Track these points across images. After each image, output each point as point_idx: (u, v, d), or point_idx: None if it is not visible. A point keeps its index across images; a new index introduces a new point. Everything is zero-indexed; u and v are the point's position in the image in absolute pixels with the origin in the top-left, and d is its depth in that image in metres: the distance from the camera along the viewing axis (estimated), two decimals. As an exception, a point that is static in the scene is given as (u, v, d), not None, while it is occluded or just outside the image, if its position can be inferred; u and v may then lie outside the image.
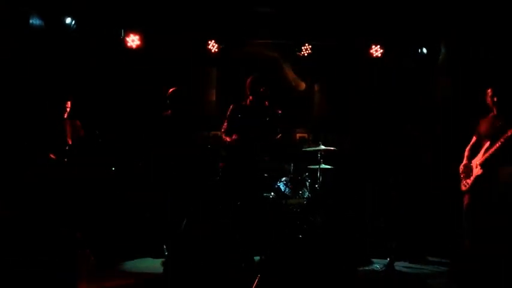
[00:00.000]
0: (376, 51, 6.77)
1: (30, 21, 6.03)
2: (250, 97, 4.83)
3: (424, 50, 6.89)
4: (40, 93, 5.60)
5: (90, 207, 5.60)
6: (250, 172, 4.60)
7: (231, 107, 4.78)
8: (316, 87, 7.57)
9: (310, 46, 6.82)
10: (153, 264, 4.58)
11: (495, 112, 4.57)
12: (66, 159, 4.93)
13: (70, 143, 5.02)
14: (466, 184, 4.63)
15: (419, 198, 6.09)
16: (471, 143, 4.82)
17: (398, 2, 6.48)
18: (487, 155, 4.45)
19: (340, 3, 6.49)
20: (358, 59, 7.01)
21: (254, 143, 4.51)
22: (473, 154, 4.72)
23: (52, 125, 5.01)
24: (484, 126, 4.64)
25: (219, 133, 7.39)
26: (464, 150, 4.82)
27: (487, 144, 4.50)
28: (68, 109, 5.08)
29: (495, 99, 4.52)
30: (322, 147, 5.79)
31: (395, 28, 6.78)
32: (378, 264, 4.63)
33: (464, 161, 4.75)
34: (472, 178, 4.56)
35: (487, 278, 4.12)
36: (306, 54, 6.94)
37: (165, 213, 5.24)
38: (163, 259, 4.58)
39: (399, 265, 4.58)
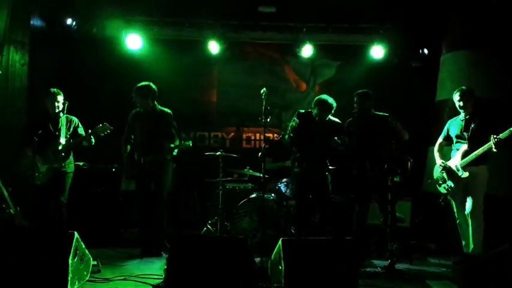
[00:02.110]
0: (378, 51, 6.75)
1: (31, 22, 6.05)
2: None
3: (426, 51, 6.88)
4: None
5: (91, 206, 5.61)
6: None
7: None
8: (317, 88, 7.55)
9: (311, 46, 6.80)
10: (156, 266, 4.57)
11: (464, 115, 4.70)
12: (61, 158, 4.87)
13: (63, 141, 4.89)
14: (448, 187, 4.73)
15: (419, 199, 6.09)
16: (439, 144, 4.98)
17: (399, 2, 6.47)
18: (470, 158, 4.53)
19: (342, 3, 6.47)
20: (360, 59, 6.99)
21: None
22: (441, 156, 4.88)
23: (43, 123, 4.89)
24: (455, 128, 4.79)
25: (219, 134, 7.43)
26: (433, 151, 4.95)
27: (464, 147, 4.61)
28: (60, 104, 4.92)
29: (460, 103, 4.68)
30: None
31: (397, 28, 6.76)
32: (379, 266, 4.62)
33: (440, 163, 4.83)
34: (455, 181, 4.65)
35: (489, 279, 4.11)
36: (307, 55, 6.93)
37: (165, 214, 5.23)
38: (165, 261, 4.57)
39: (400, 266, 4.57)
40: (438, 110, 6.25)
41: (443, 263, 4.92)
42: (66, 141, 4.91)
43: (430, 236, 5.65)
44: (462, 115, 4.75)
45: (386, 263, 4.47)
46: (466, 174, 4.58)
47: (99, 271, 4.22)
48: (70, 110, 5.06)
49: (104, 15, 6.55)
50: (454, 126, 4.84)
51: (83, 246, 3.88)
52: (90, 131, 4.85)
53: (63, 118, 4.96)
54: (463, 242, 4.73)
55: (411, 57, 7.08)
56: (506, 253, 3.91)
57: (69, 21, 6.46)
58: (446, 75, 6.19)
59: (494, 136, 4.30)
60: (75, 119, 5.10)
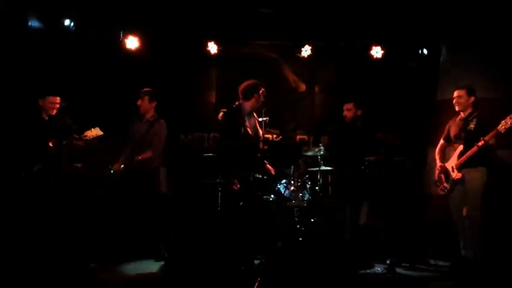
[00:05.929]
0: (377, 52, 6.74)
1: (29, 23, 6.00)
2: None
3: (425, 51, 6.87)
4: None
5: (89, 209, 5.57)
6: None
7: None
8: (316, 89, 7.54)
9: (310, 47, 6.79)
10: (154, 267, 4.55)
11: (463, 115, 4.69)
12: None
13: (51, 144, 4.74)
14: (444, 188, 4.75)
15: (419, 200, 6.07)
16: (440, 145, 4.96)
17: (398, 3, 6.45)
18: (463, 159, 4.55)
19: (341, 4, 6.45)
20: (359, 60, 6.98)
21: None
22: (443, 157, 4.89)
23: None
24: (454, 129, 4.78)
25: (218, 136, 7.39)
26: (434, 154, 4.97)
27: (461, 147, 4.61)
28: (55, 105, 4.86)
29: (457, 102, 4.69)
30: (323, 149, 5.75)
31: (396, 29, 6.74)
32: (379, 267, 4.60)
33: (439, 164, 4.84)
34: (450, 182, 4.67)
35: (488, 281, 4.10)
36: (306, 56, 6.91)
37: (163, 213, 5.20)
38: (163, 261, 4.55)
39: (400, 268, 4.55)
40: (437, 110, 6.24)
41: (442, 264, 4.89)
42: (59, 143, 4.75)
43: (429, 237, 5.63)
44: (461, 115, 4.74)
45: (386, 265, 4.45)
46: (458, 175, 4.59)
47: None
48: (68, 112, 5.00)
49: (101, 16, 6.51)
50: (453, 126, 4.81)
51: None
52: (77, 135, 4.71)
53: (57, 119, 4.87)
54: (461, 243, 4.71)
55: (410, 58, 7.07)
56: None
57: (67, 22, 6.43)
58: (446, 76, 6.18)
59: (481, 138, 4.37)
60: (69, 120, 4.98)
